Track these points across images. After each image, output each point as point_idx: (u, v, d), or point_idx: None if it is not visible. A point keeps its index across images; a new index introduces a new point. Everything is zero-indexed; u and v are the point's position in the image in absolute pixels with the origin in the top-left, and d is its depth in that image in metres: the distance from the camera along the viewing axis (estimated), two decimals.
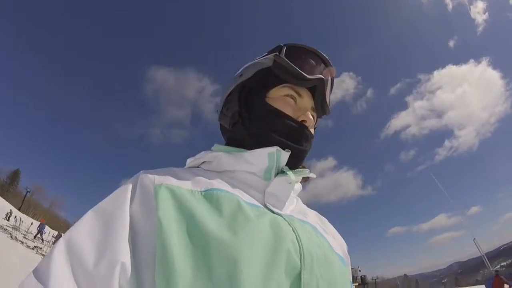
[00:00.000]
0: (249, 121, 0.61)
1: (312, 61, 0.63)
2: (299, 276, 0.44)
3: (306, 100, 0.62)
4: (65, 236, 0.43)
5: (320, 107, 0.64)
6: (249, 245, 0.42)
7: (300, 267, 0.44)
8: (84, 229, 0.44)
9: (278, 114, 0.59)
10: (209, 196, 0.49)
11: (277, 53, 0.61)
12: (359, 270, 31.67)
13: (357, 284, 26.94)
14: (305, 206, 0.67)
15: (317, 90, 0.62)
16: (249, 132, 0.60)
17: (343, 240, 0.66)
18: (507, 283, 11.28)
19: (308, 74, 0.60)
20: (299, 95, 0.61)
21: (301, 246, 0.47)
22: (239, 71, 0.65)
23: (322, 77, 0.61)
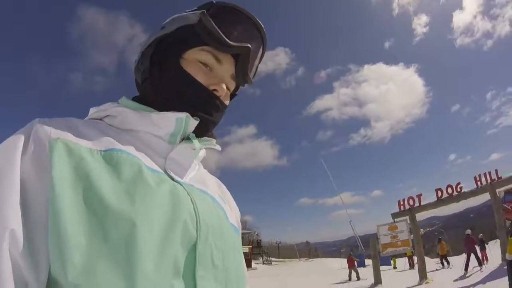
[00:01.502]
0: (159, 80, 0.56)
1: (243, 26, 0.56)
2: (194, 246, 0.44)
3: (226, 68, 0.57)
4: None
5: (241, 77, 0.58)
6: (146, 214, 0.41)
7: (196, 238, 0.45)
8: None
9: (189, 80, 0.54)
10: (109, 157, 0.45)
11: (205, 11, 0.53)
12: (257, 234, 35.79)
13: (251, 246, 29.65)
14: (206, 173, 0.65)
15: (241, 59, 0.56)
16: (157, 93, 0.56)
17: (237, 209, 0.67)
18: (356, 260, 15.10)
19: (234, 40, 0.53)
20: (218, 61, 0.55)
21: (198, 217, 0.46)
22: (164, 23, 0.58)
23: (248, 46, 0.55)
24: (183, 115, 0.52)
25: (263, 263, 32.41)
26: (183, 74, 0.54)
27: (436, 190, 12.04)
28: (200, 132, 0.56)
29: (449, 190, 11.66)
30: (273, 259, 39.54)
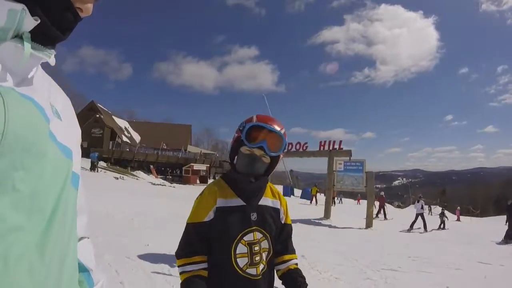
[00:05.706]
0: None
1: None
2: None
3: None
4: None
5: None
6: None
7: None
8: None
9: None
10: None
11: None
12: (217, 156, 36.13)
13: (208, 165, 31.09)
14: (46, 80, 0.56)
15: None
16: None
17: (79, 129, 0.60)
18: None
19: None
20: None
21: (5, 126, 0.38)
22: None
23: None
24: (19, 7, 0.43)
25: None
26: None
27: (287, 144, 14.70)
28: (42, 39, 0.48)
29: (297, 146, 15.04)
30: None
